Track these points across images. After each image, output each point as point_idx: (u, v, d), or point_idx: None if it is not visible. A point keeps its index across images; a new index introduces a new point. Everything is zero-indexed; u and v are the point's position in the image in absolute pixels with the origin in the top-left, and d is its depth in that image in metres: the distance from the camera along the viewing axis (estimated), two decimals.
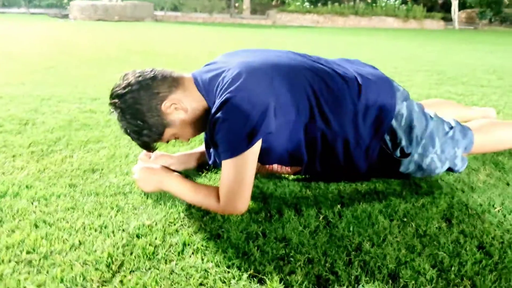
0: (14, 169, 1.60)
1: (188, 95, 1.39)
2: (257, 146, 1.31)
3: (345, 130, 1.44)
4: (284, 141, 1.39)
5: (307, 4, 16.28)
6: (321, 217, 1.32)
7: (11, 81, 3.21)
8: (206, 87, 1.39)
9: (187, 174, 1.60)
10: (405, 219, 1.33)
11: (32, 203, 1.34)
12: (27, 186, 1.45)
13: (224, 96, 1.29)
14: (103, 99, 2.74)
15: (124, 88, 1.34)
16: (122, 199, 1.40)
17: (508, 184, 1.61)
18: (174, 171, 1.58)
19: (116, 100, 1.34)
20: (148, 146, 1.42)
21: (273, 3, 23.37)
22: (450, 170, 1.70)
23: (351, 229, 1.26)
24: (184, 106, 1.37)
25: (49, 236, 1.16)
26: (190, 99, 1.38)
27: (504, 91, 3.49)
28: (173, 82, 1.38)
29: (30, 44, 5.88)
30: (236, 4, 17.59)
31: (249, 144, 1.28)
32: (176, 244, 1.16)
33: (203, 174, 1.63)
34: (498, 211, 1.40)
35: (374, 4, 16.69)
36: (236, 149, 1.28)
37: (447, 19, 17.54)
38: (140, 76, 1.36)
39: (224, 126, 1.28)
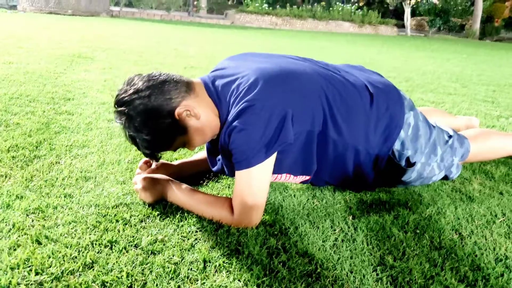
0: None
1: (200, 101, 1.31)
2: (273, 156, 1.26)
3: (356, 139, 1.41)
4: (298, 150, 1.34)
5: (265, 5, 16.32)
6: (337, 229, 1.29)
7: None
8: (218, 94, 1.32)
9: (187, 184, 1.53)
10: (417, 231, 1.32)
11: (28, 216, 1.23)
12: (17, 196, 1.33)
13: (241, 104, 1.23)
14: (77, 100, 2.60)
15: (133, 93, 1.25)
16: (126, 210, 1.31)
17: (502, 194, 1.64)
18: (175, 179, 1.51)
19: (124, 108, 1.25)
20: (154, 156, 1.34)
21: (229, 2, 23.32)
22: (444, 177, 1.72)
23: (369, 241, 1.24)
24: (197, 113, 1.29)
25: (56, 254, 1.06)
26: (201, 106, 1.31)
27: (472, 99, 3.61)
28: (185, 87, 1.30)
29: None
30: (195, 3, 17.36)
31: (266, 154, 1.23)
32: (197, 261, 1.09)
33: (204, 183, 1.56)
34: (502, 222, 1.42)
35: (331, 8, 16.98)
36: (253, 159, 1.23)
37: (399, 25, 18.14)
38: (149, 80, 1.27)
39: (241, 136, 1.22)
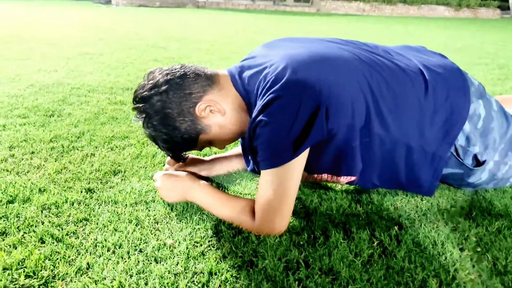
0: (30, 168, 1.44)
1: (225, 95, 1.18)
2: (303, 156, 1.10)
3: (408, 135, 1.20)
4: (337, 147, 1.16)
5: None
6: (376, 242, 1.10)
7: (44, 67, 3.11)
8: (245, 87, 1.18)
9: (218, 182, 1.41)
10: (478, 249, 1.09)
11: (42, 212, 1.18)
12: (40, 190, 1.29)
13: (268, 96, 1.08)
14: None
15: (151, 89, 1.14)
16: (143, 209, 1.22)
17: None
18: (204, 177, 1.40)
19: (141, 105, 1.15)
20: (179, 156, 1.24)
21: None
22: None
23: (412, 259, 1.03)
24: (221, 108, 1.17)
25: (54, 255, 0.99)
26: (227, 100, 1.18)
27: None
28: (207, 81, 1.18)
29: (70, 30, 5.83)
30: None
31: (295, 153, 1.06)
32: (201, 272, 0.96)
33: (237, 181, 1.43)
34: None
35: None
36: (279, 158, 1.07)
37: (504, 7, 16.60)
38: (168, 74, 1.16)
39: (266, 131, 1.07)
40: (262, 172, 1.10)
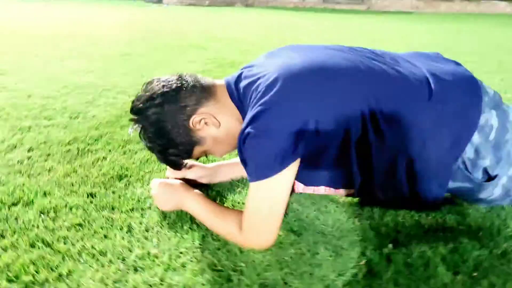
0: (42, 171, 1.50)
1: (221, 107, 1.18)
2: (292, 168, 1.07)
3: (407, 146, 1.14)
4: (332, 159, 1.14)
5: None
6: (363, 260, 1.06)
7: (82, 68, 3.23)
8: (240, 97, 1.18)
9: (218, 190, 1.41)
10: (474, 274, 1.02)
11: (40, 216, 1.22)
12: (44, 193, 1.34)
13: (256, 108, 1.07)
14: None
15: (146, 101, 1.16)
16: (138, 216, 1.24)
17: None
18: (205, 185, 1.40)
19: (137, 117, 1.17)
20: (176, 165, 1.25)
21: None
22: None
23: (399, 282, 0.99)
24: (216, 121, 1.17)
25: (40, 260, 1.03)
26: (222, 112, 1.18)
27: None
28: (203, 93, 1.18)
29: (115, 29, 6.03)
30: None
31: (281, 166, 1.05)
32: (176, 285, 0.96)
33: (237, 190, 1.42)
34: None
35: None
36: (266, 171, 1.05)
37: None
38: (164, 86, 1.17)
39: (254, 143, 1.05)
40: (250, 184, 1.09)
